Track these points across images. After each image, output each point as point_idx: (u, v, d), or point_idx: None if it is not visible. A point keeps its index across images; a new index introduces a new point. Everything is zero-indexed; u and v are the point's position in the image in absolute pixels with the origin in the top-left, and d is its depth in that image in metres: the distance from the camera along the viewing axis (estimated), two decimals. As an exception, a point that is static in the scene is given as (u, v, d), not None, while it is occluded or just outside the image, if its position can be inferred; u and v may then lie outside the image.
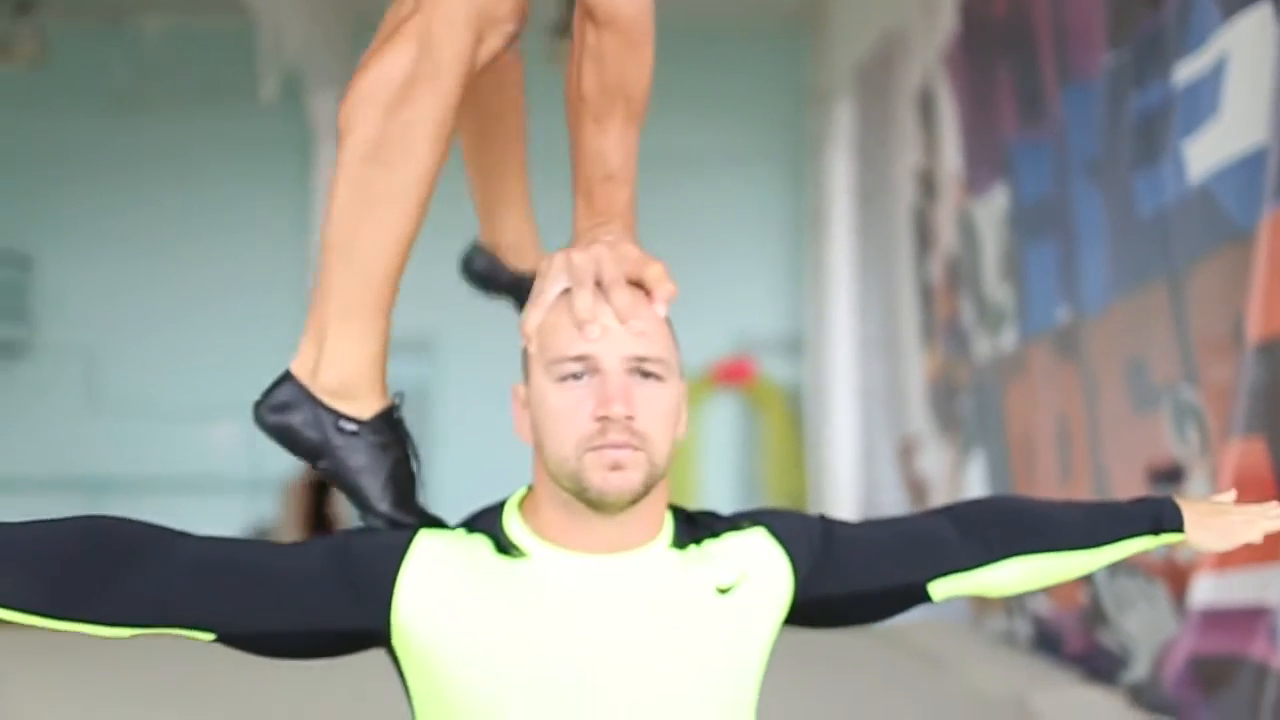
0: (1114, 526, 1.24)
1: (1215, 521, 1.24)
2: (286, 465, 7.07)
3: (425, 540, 1.16)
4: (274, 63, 5.70)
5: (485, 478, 6.83)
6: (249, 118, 6.80)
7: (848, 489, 6.31)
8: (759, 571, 1.17)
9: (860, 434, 6.21)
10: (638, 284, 1.19)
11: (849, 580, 1.19)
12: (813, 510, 1.77)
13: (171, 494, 7.10)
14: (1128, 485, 3.10)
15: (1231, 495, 1.29)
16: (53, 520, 1.09)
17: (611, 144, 1.30)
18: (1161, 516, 1.23)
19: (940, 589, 1.21)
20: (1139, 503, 1.25)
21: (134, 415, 7.16)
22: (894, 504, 5.45)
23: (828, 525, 1.22)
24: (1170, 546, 1.25)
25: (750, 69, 7.07)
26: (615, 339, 1.14)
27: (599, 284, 1.18)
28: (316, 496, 6.60)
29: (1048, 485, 3.67)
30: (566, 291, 1.20)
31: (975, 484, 4.37)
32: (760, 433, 7.18)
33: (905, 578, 1.20)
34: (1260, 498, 1.98)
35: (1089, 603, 3.31)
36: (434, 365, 7.24)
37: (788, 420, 7.12)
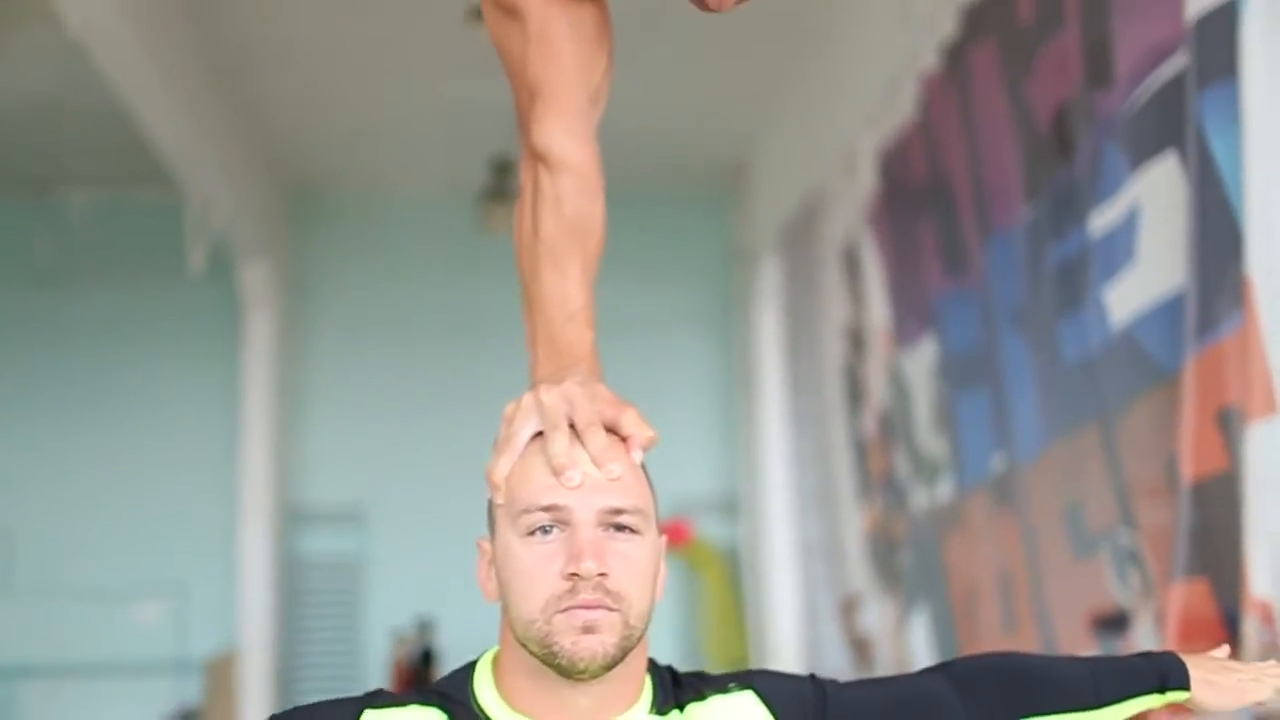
0: (1118, 684, 1.17)
1: (1222, 679, 1.18)
2: (212, 645, 6.83)
3: (370, 717, 1.07)
4: (202, 234, 5.69)
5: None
6: (176, 290, 6.77)
7: (790, 649, 6.20)
8: None
9: (801, 592, 6.14)
10: (611, 429, 1.12)
11: None
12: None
13: (94, 678, 6.81)
14: (1072, 634, 3.06)
15: (1225, 650, 1.24)
16: None
17: (573, 286, 1.25)
18: (1167, 673, 1.17)
19: None
20: (1143, 658, 1.19)
21: (53, 598, 6.91)
22: (838, 663, 5.35)
23: (819, 688, 1.13)
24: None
25: (676, 231, 7.19)
26: (589, 489, 1.06)
27: (572, 427, 1.10)
28: (418, 676, 6.40)
29: (992, 637, 3.62)
30: (536, 436, 1.12)
31: (919, 640, 4.31)
32: (700, 595, 7.08)
33: None
34: (1208, 639, 1.95)
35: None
36: (365, 537, 7.09)
37: (727, 581, 7.03)
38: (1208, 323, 2.23)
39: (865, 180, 4.60)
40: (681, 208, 7.20)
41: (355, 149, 6.70)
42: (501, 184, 6.24)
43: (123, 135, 5.33)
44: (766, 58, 5.47)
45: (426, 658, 6.52)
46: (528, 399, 1.12)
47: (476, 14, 4.19)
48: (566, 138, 1.29)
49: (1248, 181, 2.05)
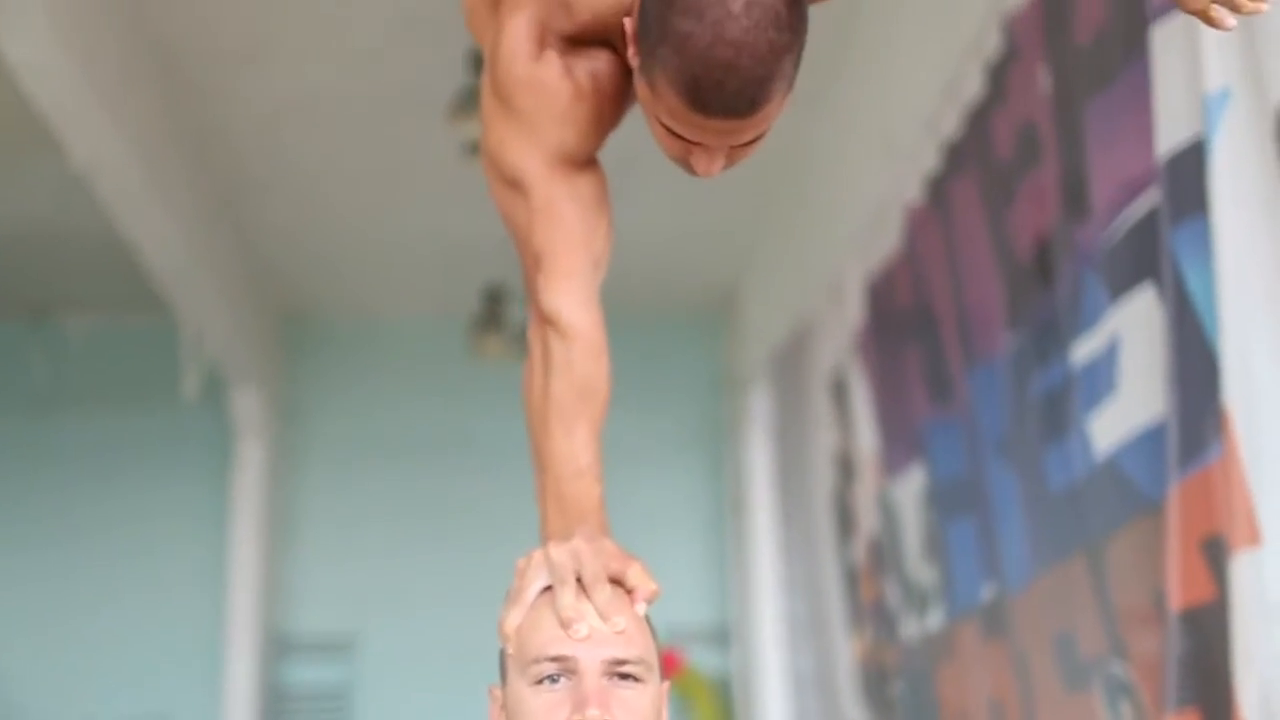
0: None
1: None
2: (193, 778, 6.69)
3: None
4: (196, 360, 5.74)
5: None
6: (169, 416, 6.78)
7: (783, 783, 6.09)
8: None
9: (793, 724, 6.05)
10: (617, 582, 1.20)
11: None
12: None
13: (68, 815, 6.66)
14: (1066, 767, 3.02)
15: None
16: None
17: (581, 445, 1.33)
18: None
19: None
20: None
21: (32, 730, 6.79)
22: (831, 797, 5.25)
23: None
24: None
25: (666, 358, 7.24)
26: (594, 640, 1.12)
27: (580, 581, 1.18)
28: None
29: (986, 771, 3.57)
30: (546, 590, 1.19)
31: (913, 772, 4.24)
32: (691, 726, 6.97)
33: None
34: (1199, 772, 1.93)
35: None
36: (356, 667, 7.00)
37: (719, 711, 6.93)
38: (1189, 452, 2.25)
39: (852, 309, 4.66)
40: (671, 335, 7.27)
41: (349, 276, 6.79)
42: (493, 311, 6.31)
43: (120, 261, 5.40)
44: (755, 187, 5.58)
45: None
46: (537, 555, 1.21)
47: (472, 148, 4.29)
48: (573, 304, 1.37)
49: (1222, 314, 2.09)
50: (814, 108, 4.72)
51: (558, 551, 1.18)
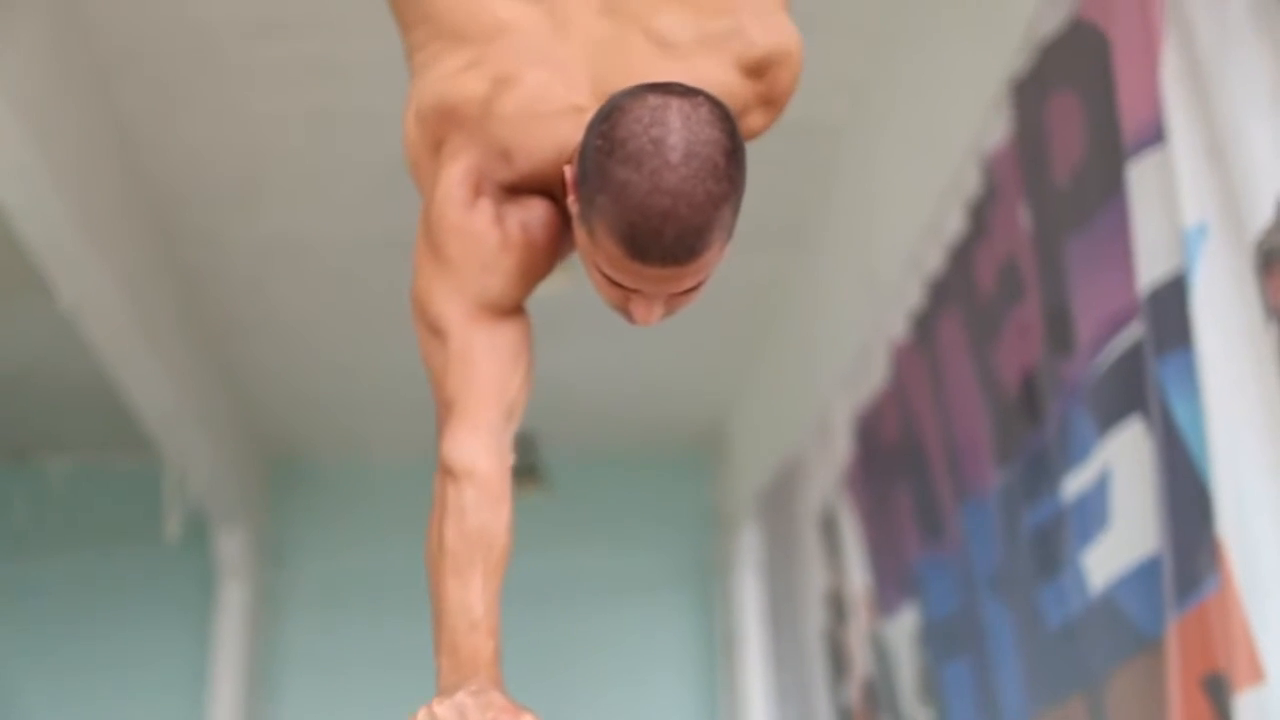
0: None
1: None
2: None
3: None
4: (179, 501, 5.68)
5: None
6: (151, 557, 6.69)
7: None
8: None
9: None
10: None
11: None
12: None
13: None
14: None
15: None
16: None
17: (475, 596, 1.32)
18: None
19: None
20: None
21: None
22: None
23: None
24: None
25: (654, 496, 7.19)
26: None
27: None
28: None
29: None
30: None
31: None
32: None
33: None
34: None
35: None
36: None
37: None
38: (1185, 587, 2.22)
39: (841, 445, 4.65)
40: (659, 473, 7.23)
41: (335, 418, 6.77)
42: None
43: (104, 402, 5.38)
44: (742, 325, 5.61)
45: None
46: (423, 713, 1.20)
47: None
48: (471, 451, 1.38)
49: (1211, 444, 2.08)
50: (798, 246, 4.77)
51: (442, 708, 1.18)
